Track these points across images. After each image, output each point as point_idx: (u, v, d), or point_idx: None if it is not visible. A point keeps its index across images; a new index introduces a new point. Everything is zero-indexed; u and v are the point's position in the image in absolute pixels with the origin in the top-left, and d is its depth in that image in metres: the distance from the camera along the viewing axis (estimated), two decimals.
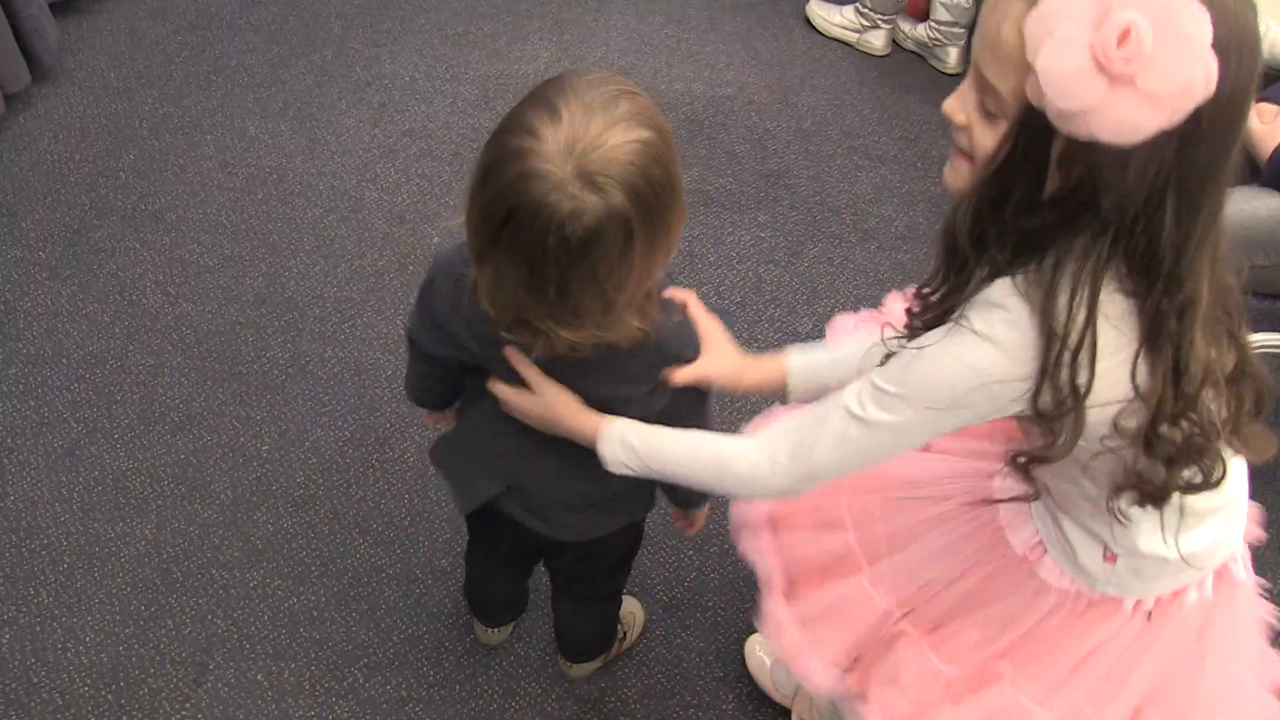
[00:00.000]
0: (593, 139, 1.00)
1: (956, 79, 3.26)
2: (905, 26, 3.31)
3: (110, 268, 2.47)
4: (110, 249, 2.51)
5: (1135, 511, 1.08)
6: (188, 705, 1.81)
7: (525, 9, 3.31)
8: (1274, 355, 2.21)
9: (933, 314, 1.07)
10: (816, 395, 1.28)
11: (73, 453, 2.12)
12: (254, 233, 2.59)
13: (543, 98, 1.03)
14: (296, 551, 2.02)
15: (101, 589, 1.93)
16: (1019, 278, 0.97)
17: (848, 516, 1.43)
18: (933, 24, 3.23)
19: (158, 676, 1.83)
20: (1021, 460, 1.07)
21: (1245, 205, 1.99)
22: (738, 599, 2.01)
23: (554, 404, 1.23)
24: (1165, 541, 1.13)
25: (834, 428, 1.10)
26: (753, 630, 1.94)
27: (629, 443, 1.22)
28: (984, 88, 0.98)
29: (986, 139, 0.99)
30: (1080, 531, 1.20)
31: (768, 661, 1.89)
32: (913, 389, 1.04)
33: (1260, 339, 2.01)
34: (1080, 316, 0.94)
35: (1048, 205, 0.95)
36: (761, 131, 2.97)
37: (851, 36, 3.30)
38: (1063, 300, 0.94)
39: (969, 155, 1.03)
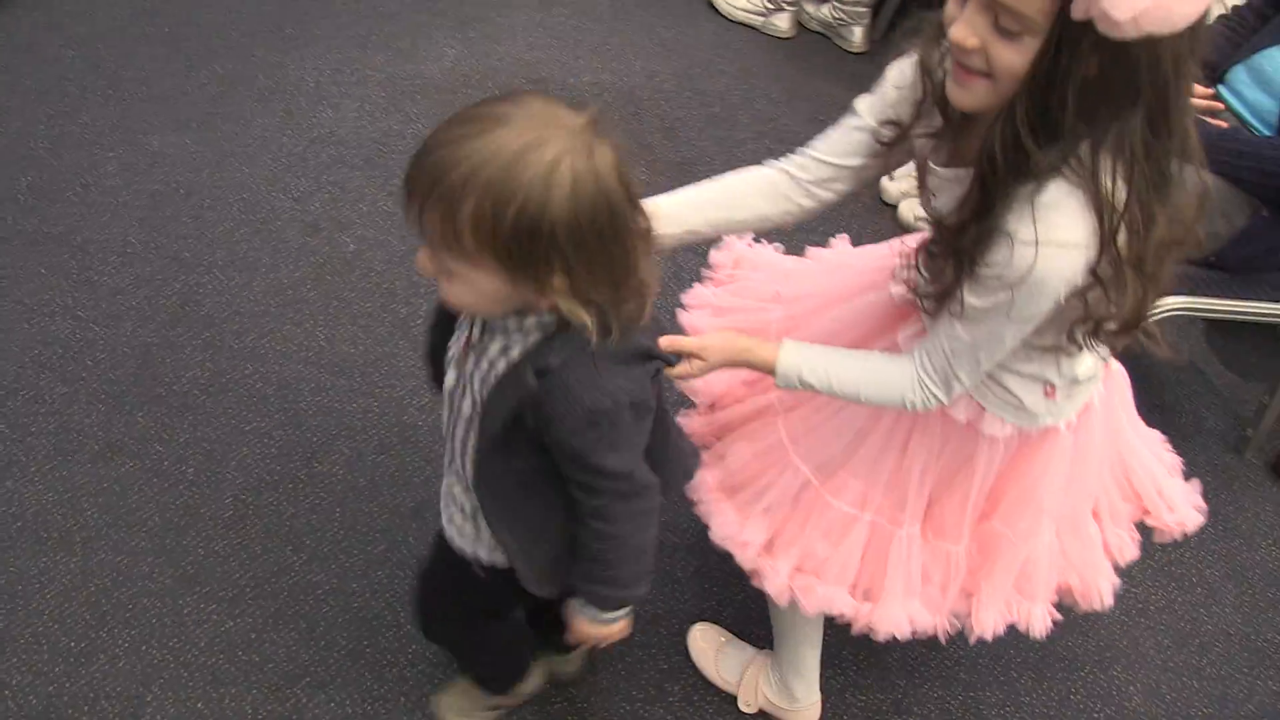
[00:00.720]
0: None
1: (862, 58, 3.31)
2: (810, 8, 3.35)
3: (16, 295, 2.40)
4: (14, 275, 2.44)
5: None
6: None
7: (429, 8, 3.28)
8: (1184, 317, 2.29)
9: (967, 237, 1.18)
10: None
11: None
12: (164, 250, 2.54)
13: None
14: (230, 574, 1.99)
15: (27, 628, 1.89)
16: (1066, 175, 1.11)
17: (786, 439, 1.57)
18: (836, 4, 3.26)
19: (92, 714, 1.79)
20: (1088, 330, 1.22)
21: None
22: (678, 590, 2.03)
23: (728, 347, 1.38)
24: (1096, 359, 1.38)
25: (964, 358, 1.27)
26: (694, 620, 1.96)
27: (800, 370, 1.37)
28: (996, 9, 1.07)
29: (1010, 55, 1.09)
30: (1020, 380, 1.38)
31: (711, 651, 1.92)
32: (1019, 320, 1.20)
33: (1169, 302, 2.07)
34: (1122, 191, 1.11)
35: (1086, 101, 1.07)
36: (672, 120, 2.98)
37: (757, 20, 3.32)
38: (1105, 181, 1.10)
39: (985, 74, 1.12)
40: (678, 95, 3.07)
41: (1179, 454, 2.37)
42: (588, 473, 1.22)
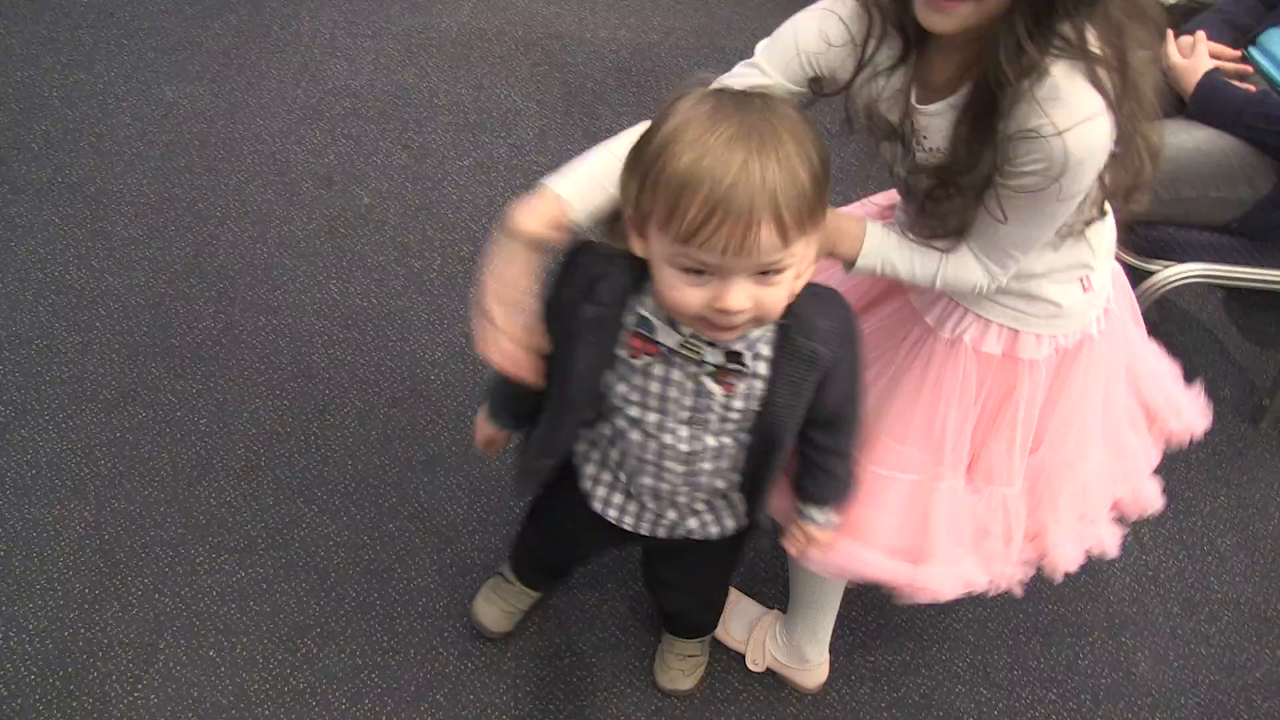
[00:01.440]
0: None
1: None
2: None
3: (29, 244, 2.40)
4: (27, 225, 2.43)
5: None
6: (139, 687, 1.79)
7: None
8: (1202, 285, 2.27)
9: (984, 161, 1.19)
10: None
11: (2, 436, 2.07)
12: (178, 201, 2.53)
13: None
14: (241, 524, 2.00)
15: (42, 575, 1.90)
16: (1062, 62, 1.13)
17: None
18: None
19: (106, 660, 1.81)
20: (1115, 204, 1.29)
21: (1171, 139, 2.01)
22: None
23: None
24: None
25: (1020, 244, 1.29)
26: None
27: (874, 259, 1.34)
28: None
29: None
30: (1058, 283, 1.39)
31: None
32: (1069, 198, 1.21)
33: (1187, 269, 2.05)
34: (1115, 58, 1.14)
35: None
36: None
37: None
38: (1097, 53, 1.13)
39: None
40: (695, 52, 3.04)
41: None
42: (858, 379, 1.33)
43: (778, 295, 1.13)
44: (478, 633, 1.88)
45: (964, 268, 1.32)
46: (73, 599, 1.87)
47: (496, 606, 1.88)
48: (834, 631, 1.84)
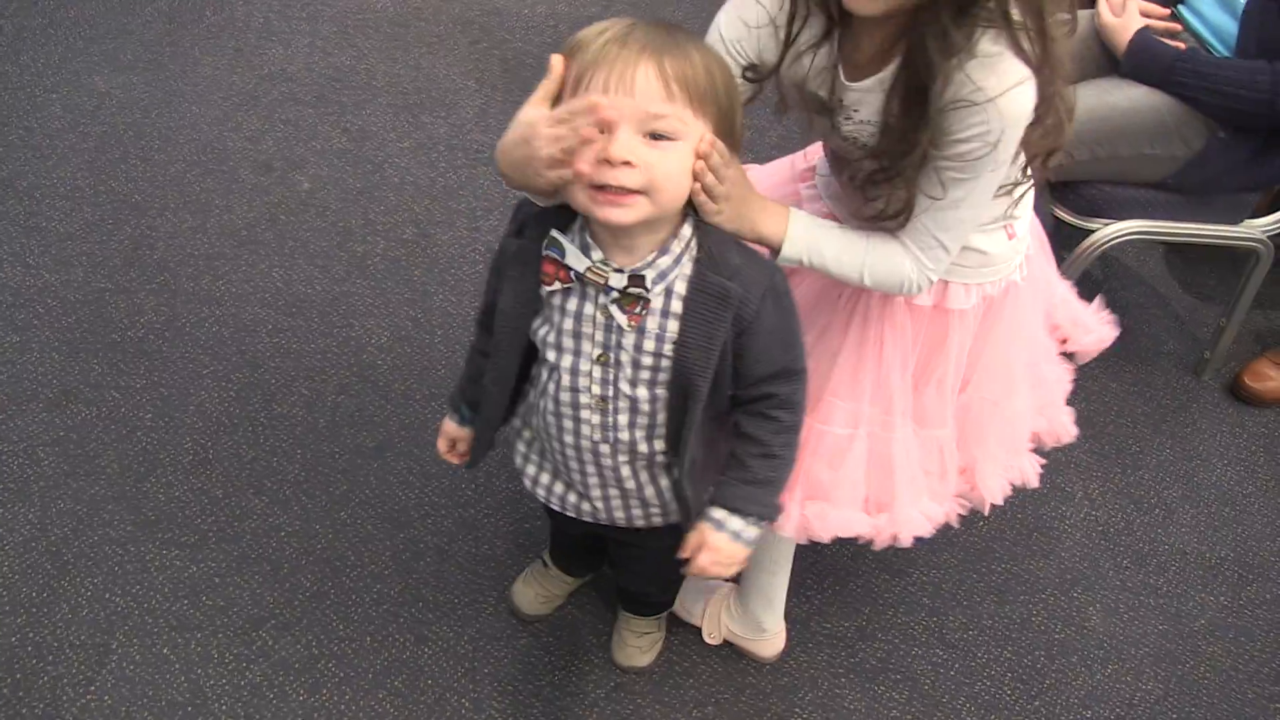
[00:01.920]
0: None
1: None
2: None
3: None
4: None
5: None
6: (92, 688, 1.77)
7: None
8: (1142, 241, 2.29)
9: (922, 133, 1.20)
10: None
11: None
12: (114, 194, 2.48)
13: None
14: (191, 519, 1.98)
15: None
16: (987, 32, 1.15)
17: None
18: None
19: (57, 663, 1.79)
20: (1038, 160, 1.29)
21: (1106, 97, 2.03)
22: None
23: (742, 197, 1.26)
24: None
25: (954, 229, 1.29)
26: None
27: (807, 251, 1.33)
28: None
29: None
30: (985, 234, 1.41)
31: None
32: (1000, 165, 1.23)
33: (1126, 227, 2.07)
34: (1035, 26, 1.16)
35: None
36: None
37: None
38: (1019, 20, 1.15)
39: None
40: None
41: (1140, 376, 2.41)
42: (789, 354, 1.28)
43: (666, 165, 1.13)
44: (513, 614, 1.90)
45: (891, 260, 1.32)
46: (20, 603, 1.85)
47: (533, 589, 1.89)
48: (789, 600, 1.86)
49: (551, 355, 1.29)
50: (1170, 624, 2.02)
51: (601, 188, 1.12)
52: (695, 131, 1.14)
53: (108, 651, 1.81)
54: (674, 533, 1.44)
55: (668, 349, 1.24)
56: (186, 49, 2.83)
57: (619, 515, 1.44)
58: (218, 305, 2.30)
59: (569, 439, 1.35)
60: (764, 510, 1.32)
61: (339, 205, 2.52)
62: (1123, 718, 1.89)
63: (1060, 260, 2.17)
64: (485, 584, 1.94)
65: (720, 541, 1.30)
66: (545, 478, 1.45)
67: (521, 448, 1.46)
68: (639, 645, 1.84)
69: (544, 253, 1.22)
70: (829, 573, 2.01)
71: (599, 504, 1.42)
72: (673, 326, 1.23)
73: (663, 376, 1.26)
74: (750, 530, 1.31)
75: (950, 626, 1.98)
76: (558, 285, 1.23)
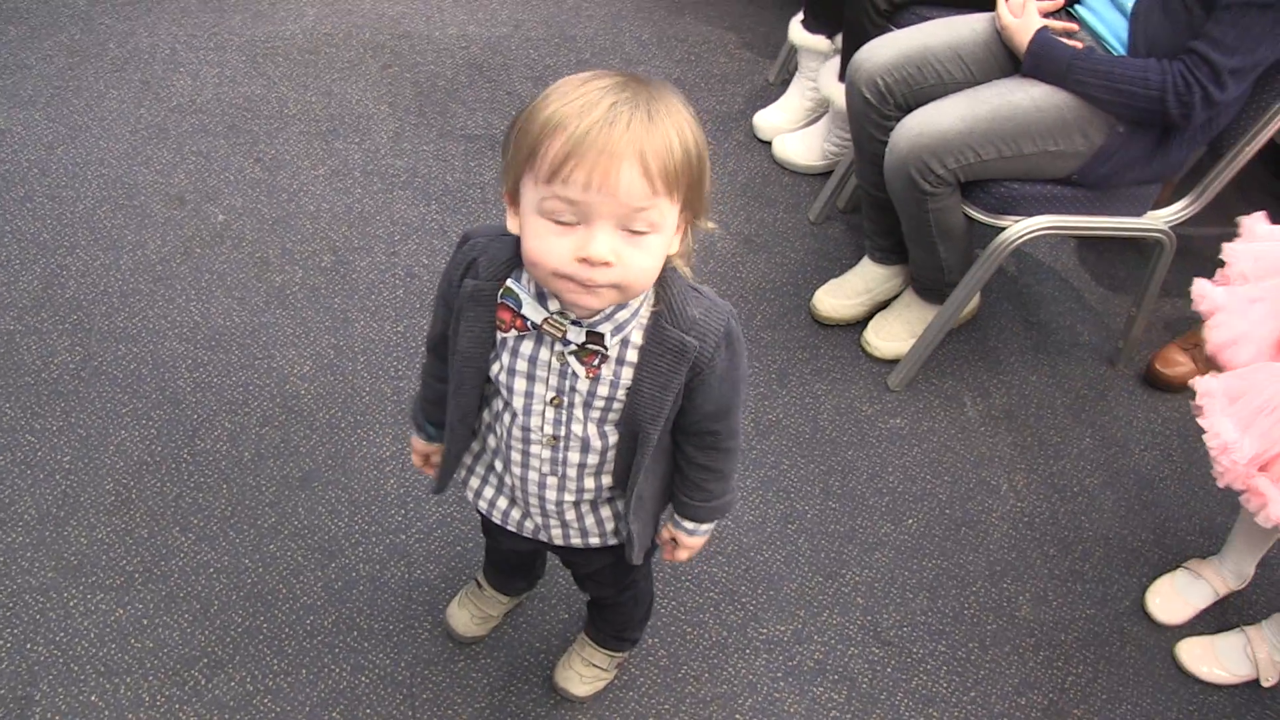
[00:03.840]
0: None
1: None
2: None
3: None
4: None
5: None
6: None
7: None
8: (1053, 236, 2.35)
9: None
10: None
11: None
12: (21, 234, 2.43)
13: None
14: (115, 560, 1.94)
15: None
16: None
17: None
18: None
19: None
20: None
21: (1010, 97, 2.09)
22: None
23: None
24: None
25: None
26: None
27: None
28: None
29: None
30: None
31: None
32: None
33: (1035, 223, 2.12)
34: None
35: None
36: (542, 69, 2.94)
37: None
38: None
39: None
40: (546, 43, 3.03)
41: (1057, 368, 2.46)
42: (736, 393, 1.29)
43: (643, 261, 1.10)
44: (450, 637, 1.88)
45: None
46: None
47: (468, 611, 1.87)
48: (723, 607, 1.87)
49: (504, 393, 1.29)
50: (1097, 607, 2.07)
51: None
52: (672, 217, 1.11)
53: (30, 703, 1.76)
54: (614, 550, 1.47)
55: (620, 394, 1.25)
56: (90, 83, 2.78)
57: (557, 534, 1.45)
58: (134, 342, 2.26)
59: (517, 470, 1.36)
60: (724, 513, 1.47)
61: (255, 235, 2.49)
62: (1055, 701, 1.93)
63: (974, 258, 2.23)
64: (420, 609, 1.92)
65: (694, 543, 1.48)
66: (489, 491, 1.45)
67: (468, 460, 1.45)
68: (582, 673, 1.83)
69: (500, 300, 1.21)
70: (762, 579, 2.02)
71: (538, 520, 1.43)
72: (627, 374, 1.23)
73: (613, 418, 1.28)
74: (703, 528, 1.47)
75: (885, 625, 2.00)
76: (514, 333, 1.22)
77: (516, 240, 1.16)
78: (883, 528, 2.13)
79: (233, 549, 1.97)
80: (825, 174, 2.76)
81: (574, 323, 1.19)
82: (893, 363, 2.41)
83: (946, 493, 2.21)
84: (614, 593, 1.71)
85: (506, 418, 1.31)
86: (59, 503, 2.00)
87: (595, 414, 1.28)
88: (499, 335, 1.25)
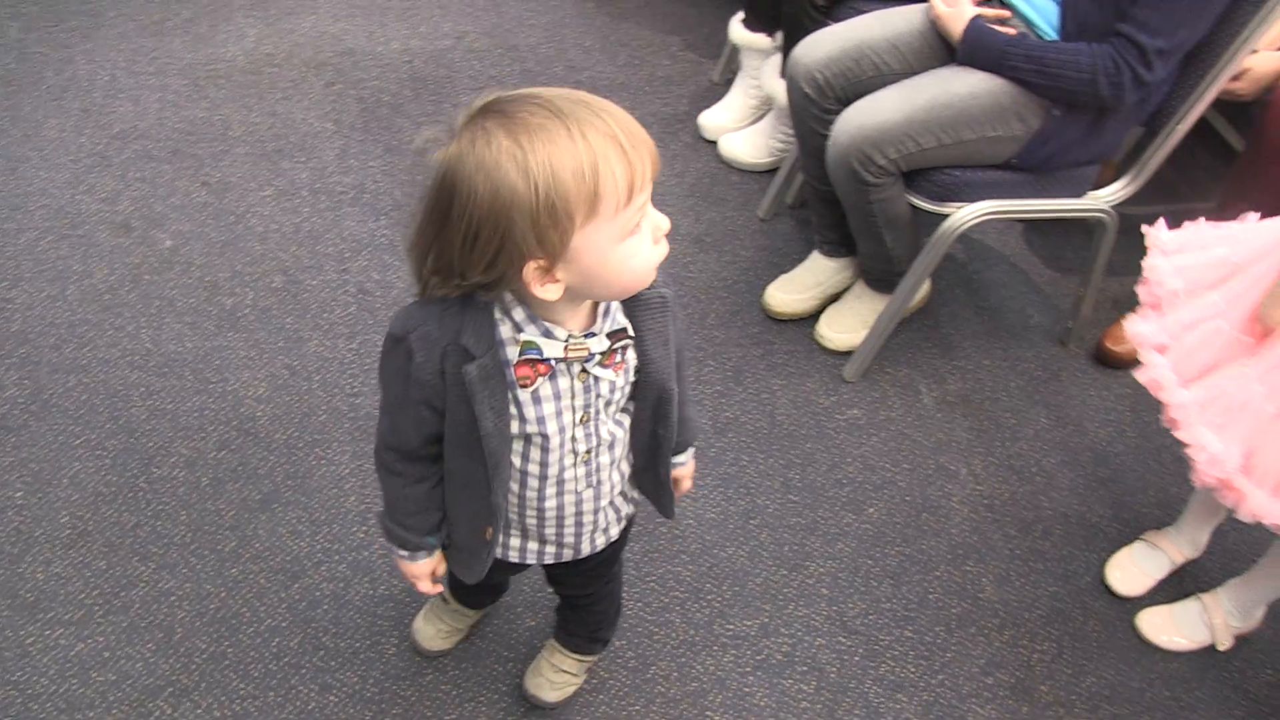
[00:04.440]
0: None
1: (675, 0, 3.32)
2: None
3: None
4: None
5: None
6: None
7: None
8: (998, 221, 2.37)
9: None
10: None
11: None
12: None
13: None
14: (74, 594, 1.92)
15: None
16: None
17: None
18: None
19: None
20: None
21: (947, 85, 2.11)
22: None
23: None
24: None
25: None
26: None
27: None
28: None
29: None
30: None
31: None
32: None
33: (978, 208, 2.14)
34: None
35: None
36: (486, 79, 2.95)
37: None
38: None
39: None
40: (489, 53, 3.03)
41: (1010, 351, 2.49)
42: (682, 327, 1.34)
43: None
44: (416, 651, 1.88)
45: None
46: None
47: (434, 625, 1.86)
48: (689, 605, 1.88)
49: (539, 440, 1.26)
50: (1059, 585, 2.09)
51: None
52: None
53: None
54: (612, 545, 1.52)
55: (633, 374, 1.28)
56: (28, 113, 2.75)
57: (585, 547, 1.46)
58: (85, 373, 2.24)
59: (551, 504, 1.35)
60: (701, 431, 1.54)
61: (204, 259, 2.47)
62: (1023, 679, 1.95)
63: (922, 246, 2.25)
64: (385, 625, 1.91)
65: (692, 467, 1.55)
66: (515, 540, 1.44)
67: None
68: (552, 680, 1.83)
69: (520, 359, 1.18)
70: (726, 575, 2.03)
71: (571, 543, 1.43)
72: (633, 351, 1.26)
73: (622, 402, 1.30)
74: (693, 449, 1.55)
75: (850, 614, 2.02)
76: (540, 381, 1.21)
77: (456, 304, 1.16)
78: (844, 518, 2.15)
79: (194, 575, 1.95)
80: (772, 171, 2.78)
81: (589, 334, 1.20)
82: (847, 354, 2.42)
83: (906, 480, 2.22)
84: (600, 584, 1.70)
85: (533, 466, 1.30)
86: (12, 539, 1.98)
87: (613, 408, 1.30)
88: (519, 393, 1.22)
